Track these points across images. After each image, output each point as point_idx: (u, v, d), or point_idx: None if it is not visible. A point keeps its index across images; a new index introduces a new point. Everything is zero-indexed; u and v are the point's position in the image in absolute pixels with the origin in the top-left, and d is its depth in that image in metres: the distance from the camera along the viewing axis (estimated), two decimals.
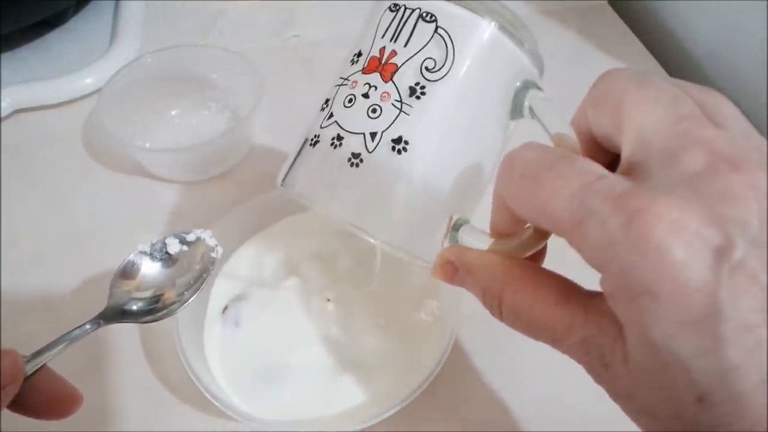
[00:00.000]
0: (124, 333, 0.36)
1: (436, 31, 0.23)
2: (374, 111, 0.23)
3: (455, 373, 0.34)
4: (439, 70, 0.23)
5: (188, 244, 0.30)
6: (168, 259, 0.30)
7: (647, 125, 0.18)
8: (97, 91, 0.47)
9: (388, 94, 0.23)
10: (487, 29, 0.23)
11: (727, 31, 0.49)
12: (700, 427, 0.16)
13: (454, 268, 0.22)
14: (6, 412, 0.22)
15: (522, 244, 0.21)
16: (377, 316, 0.35)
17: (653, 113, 0.18)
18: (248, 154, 0.45)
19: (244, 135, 0.44)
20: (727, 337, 0.15)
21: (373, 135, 0.23)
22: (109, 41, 0.51)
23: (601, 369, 0.18)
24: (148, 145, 0.44)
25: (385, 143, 0.23)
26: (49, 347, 0.24)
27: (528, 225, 0.21)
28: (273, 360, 0.34)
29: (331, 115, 0.25)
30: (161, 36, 0.53)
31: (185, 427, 0.32)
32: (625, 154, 0.19)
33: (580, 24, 0.56)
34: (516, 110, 0.25)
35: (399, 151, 0.23)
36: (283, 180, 0.26)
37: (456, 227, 0.24)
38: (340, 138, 0.24)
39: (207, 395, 0.30)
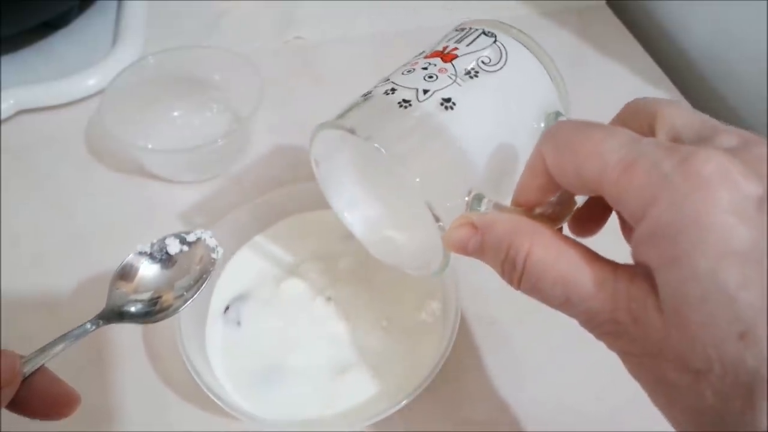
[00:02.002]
0: (126, 332, 0.36)
1: (494, 42, 0.27)
2: (430, 77, 0.26)
3: (455, 373, 0.34)
4: (494, 65, 0.27)
5: (188, 244, 0.30)
6: (167, 261, 0.30)
7: (680, 123, 0.20)
8: (100, 92, 0.47)
9: (445, 69, 0.26)
10: (529, 57, 0.28)
11: (725, 32, 0.49)
12: (740, 368, 0.15)
13: (473, 230, 0.22)
14: (5, 412, 0.22)
15: (548, 212, 0.22)
16: (378, 316, 0.35)
17: (684, 115, 0.20)
18: (250, 155, 0.45)
19: (245, 136, 0.44)
20: None
21: (425, 91, 0.25)
22: (111, 43, 0.52)
23: (629, 324, 0.18)
24: (150, 145, 0.44)
25: (435, 99, 0.25)
26: (47, 348, 0.24)
27: (550, 199, 0.22)
28: (274, 359, 0.34)
29: (388, 80, 0.27)
30: (164, 37, 0.53)
31: (187, 426, 0.33)
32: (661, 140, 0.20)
33: (578, 24, 0.56)
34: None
35: (446, 108, 0.25)
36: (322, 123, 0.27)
37: (476, 199, 0.25)
38: (393, 90, 0.26)
39: (209, 394, 0.30)
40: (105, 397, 0.34)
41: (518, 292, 0.40)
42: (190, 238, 0.30)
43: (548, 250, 0.20)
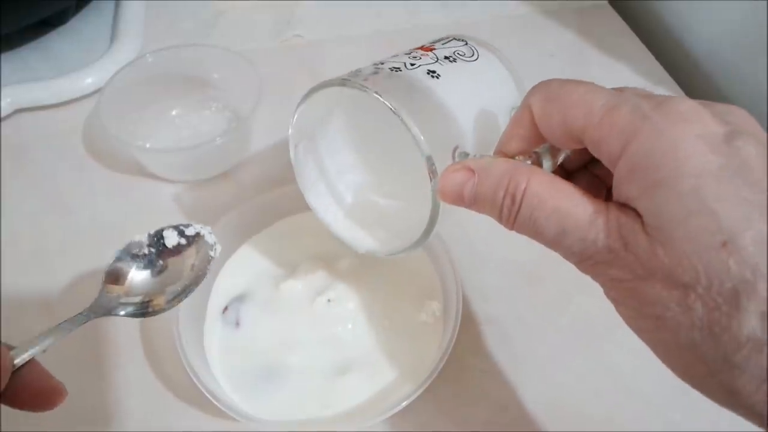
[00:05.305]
0: (124, 333, 0.36)
1: (466, 44, 0.31)
2: (415, 57, 0.29)
3: (455, 373, 0.34)
4: (468, 57, 0.30)
5: (187, 237, 0.29)
6: (159, 266, 0.29)
7: None
8: (98, 90, 0.47)
9: (427, 54, 0.29)
10: (496, 59, 0.31)
11: (727, 30, 0.49)
12: (725, 275, 0.17)
13: (469, 174, 0.22)
14: (4, 412, 0.22)
15: (530, 160, 0.23)
16: (378, 316, 0.35)
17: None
18: (248, 154, 0.45)
19: (244, 135, 0.44)
20: (743, 186, 0.17)
21: (412, 65, 0.28)
22: (109, 41, 0.51)
23: (620, 249, 0.19)
24: (148, 145, 0.44)
25: (422, 70, 0.28)
26: (37, 341, 0.24)
27: (535, 149, 0.23)
28: (273, 360, 0.34)
29: (373, 63, 0.29)
30: (162, 36, 0.53)
31: (185, 427, 0.33)
32: None
33: (580, 23, 0.56)
34: None
35: (432, 77, 0.28)
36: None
37: (462, 156, 0.26)
38: (381, 65, 0.28)
39: (207, 395, 0.30)
40: (103, 398, 0.34)
41: (518, 294, 0.40)
42: (189, 231, 0.30)
43: (545, 184, 0.20)
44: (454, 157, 0.26)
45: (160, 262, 0.29)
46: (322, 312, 0.35)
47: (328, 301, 0.35)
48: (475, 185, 0.22)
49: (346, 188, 0.33)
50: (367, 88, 0.26)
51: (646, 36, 0.55)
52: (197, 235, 0.30)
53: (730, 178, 0.17)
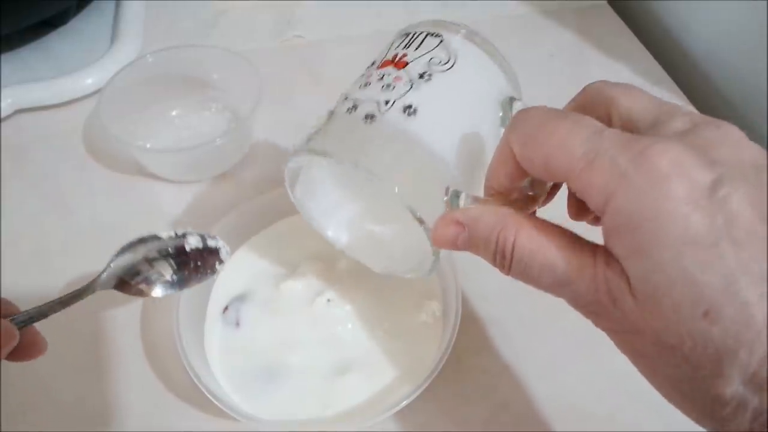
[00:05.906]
0: (124, 332, 0.36)
1: (441, 42, 0.28)
2: (388, 86, 0.27)
3: (455, 373, 0.34)
4: (444, 64, 0.27)
5: (205, 246, 0.31)
6: (180, 285, 0.31)
7: (636, 107, 0.21)
8: (98, 91, 0.47)
9: (400, 77, 0.27)
10: (476, 49, 0.28)
11: (726, 31, 0.49)
12: (708, 342, 0.17)
13: (459, 227, 0.23)
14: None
15: (524, 195, 0.23)
16: (378, 316, 0.35)
17: (641, 100, 0.21)
18: (248, 154, 0.45)
19: (244, 135, 0.44)
20: (727, 252, 0.17)
21: (386, 102, 0.26)
22: (109, 41, 0.51)
23: (609, 305, 0.19)
24: (148, 145, 0.44)
25: (397, 108, 0.26)
26: (37, 313, 0.26)
27: (523, 183, 0.23)
28: (273, 360, 0.34)
29: (347, 98, 0.28)
30: (162, 36, 0.53)
31: (185, 427, 0.33)
32: (617, 127, 0.21)
33: (579, 23, 0.56)
34: (505, 119, 0.29)
35: (409, 114, 0.26)
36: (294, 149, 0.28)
37: (454, 196, 0.26)
38: (354, 107, 0.27)
39: (207, 395, 0.30)
40: (103, 398, 0.34)
41: (518, 293, 0.40)
42: (211, 243, 0.31)
43: (532, 239, 0.21)
44: (447, 194, 0.26)
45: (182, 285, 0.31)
46: (321, 312, 0.35)
47: (328, 301, 0.35)
48: (467, 236, 0.23)
49: (340, 224, 0.33)
50: (342, 157, 0.25)
51: (645, 36, 0.55)
52: (216, 248, 0.32)
53: (714, 241, 0.17)
